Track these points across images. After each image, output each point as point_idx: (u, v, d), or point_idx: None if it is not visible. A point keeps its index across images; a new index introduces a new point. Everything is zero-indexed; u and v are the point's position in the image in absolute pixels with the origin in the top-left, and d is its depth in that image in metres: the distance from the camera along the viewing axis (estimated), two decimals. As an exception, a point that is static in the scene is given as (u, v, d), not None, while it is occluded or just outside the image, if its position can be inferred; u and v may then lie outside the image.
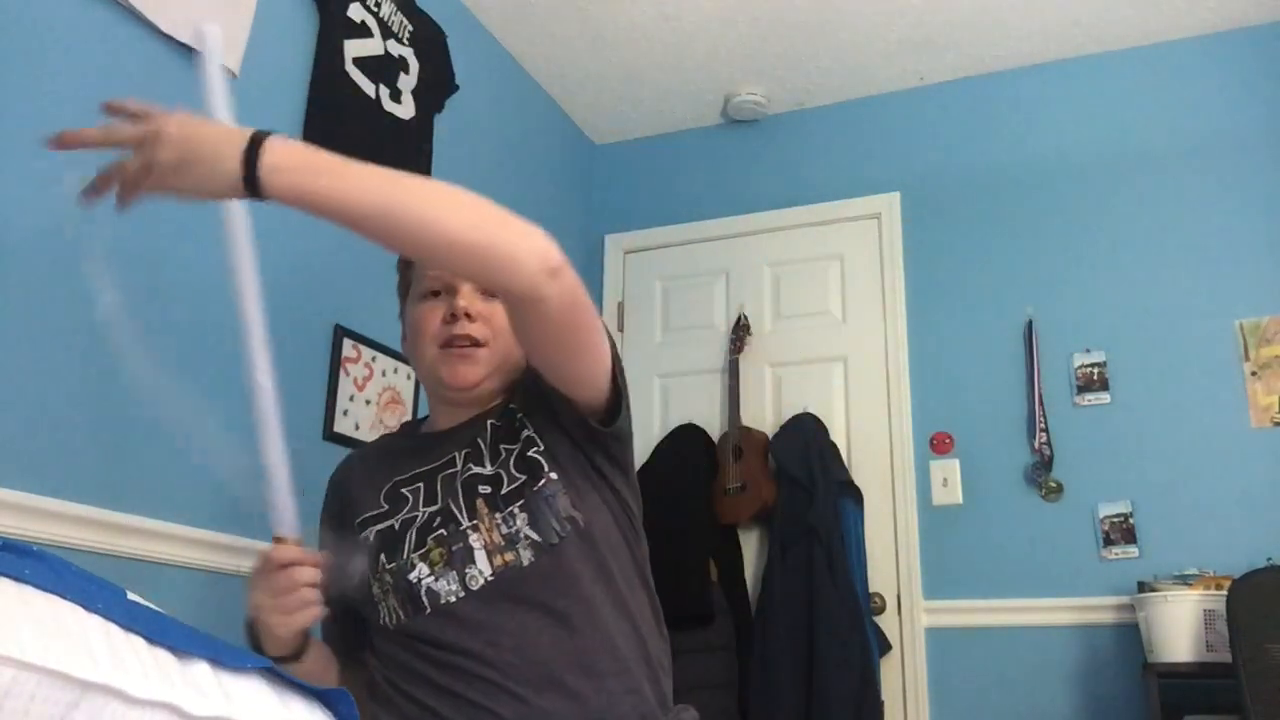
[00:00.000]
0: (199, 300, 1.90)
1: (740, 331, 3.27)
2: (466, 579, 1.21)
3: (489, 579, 1.20)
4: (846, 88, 3.38)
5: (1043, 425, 2.87)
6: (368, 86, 2.43)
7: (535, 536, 1.21)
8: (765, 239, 3.40)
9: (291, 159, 1.01)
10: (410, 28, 2.61)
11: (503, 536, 1.22)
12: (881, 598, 2.93)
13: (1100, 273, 2.96)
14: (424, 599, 1.22)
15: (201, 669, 0.75)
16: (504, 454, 1.27)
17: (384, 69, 2.49)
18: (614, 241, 3.60)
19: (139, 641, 0.73)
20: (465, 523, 1.24)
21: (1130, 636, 2.62)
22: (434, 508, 1.27)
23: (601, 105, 3.51)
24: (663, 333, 3.46)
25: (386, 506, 1.31)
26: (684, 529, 2.92)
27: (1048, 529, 2.83)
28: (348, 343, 2.29)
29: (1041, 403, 2.90)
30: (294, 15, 2.24)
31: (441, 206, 1.06)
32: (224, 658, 0.78)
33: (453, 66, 2.78)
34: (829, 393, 3.17)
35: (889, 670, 2.84)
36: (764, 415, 3.20)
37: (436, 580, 1.22)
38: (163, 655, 0.74)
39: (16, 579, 0.70)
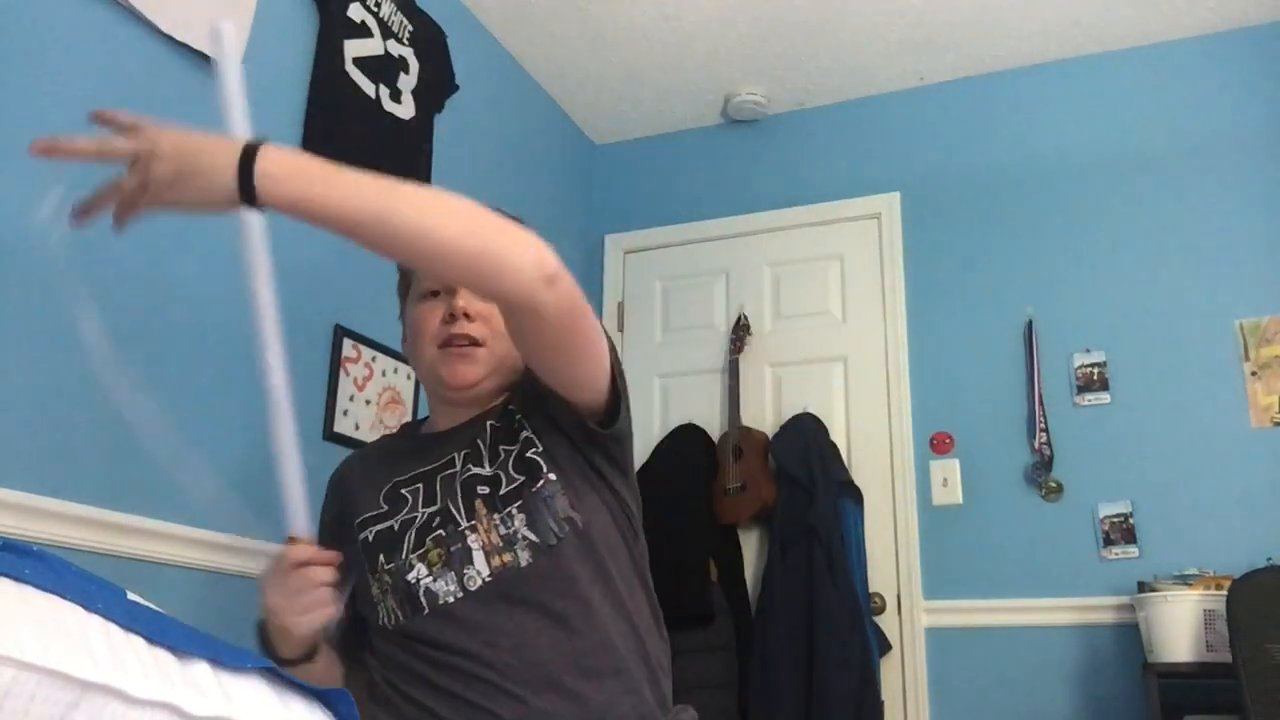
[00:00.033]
0: (201, 302, 1.90)
1: (740, 331, 3.27)
2: (464, 579, 1.21)
3: (487, 579, 1.20)
4: (846, 88, 3.38)
5: (1043, 425, 2.87)
6: (368, 86, 2.43)
7: (533, 537, 1.21)
8: (765, 239, 3.40)
9: (286, 167, 1.01)
10: (410, 28, 2.61)
11: (501, 537, 1.22)
12: (881, 598, 2.93)
13: (1100, 273, 2.96)
14: (422, 599, 1.22)
15: (201, 669, 0.75)
16: (503, 455, 1.27)
17: (384, 69, 2.49)
18: (614, 241, 3.60)
19: (139, 641, 0.73)
20: (464, 523, 1.24)
21: (1130, 636, 2.62)
22: (433, 508, 1.27)
23: (601, 105, 3.51)
24: (663, 333, 3.46)
25: (386, 507, 1.32)
26: (684, 529, 2.92)
27: (1048, 529, 2.83)
28: (348, 343, 2.29)
29: (1041, 403, 2.90)
30: (294, 15, 2.24)
31: (437, 214, 1.06)
32: (224, 658, 0.78)
33: (453, 66, 2.78)
34: (829, 393, 3.17)
35: (889, 670, 2.84)
36: (764, 415, 3.20)
37: (435, 581, 1.22)
38: (163, 655, 0.74)
39: (16, 579, 0.70)
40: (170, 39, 1.87)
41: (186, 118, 1.89)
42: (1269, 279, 2.79)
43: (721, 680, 2.83)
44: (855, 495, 2.95)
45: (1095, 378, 2.89)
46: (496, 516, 1.23)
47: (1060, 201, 3.07)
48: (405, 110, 2.56)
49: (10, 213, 1.56)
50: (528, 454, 1.26)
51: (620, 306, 3.52)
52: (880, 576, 2.94)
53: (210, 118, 1.92)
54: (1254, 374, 2.74)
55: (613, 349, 1.24)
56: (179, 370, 1.85)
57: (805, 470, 2.93)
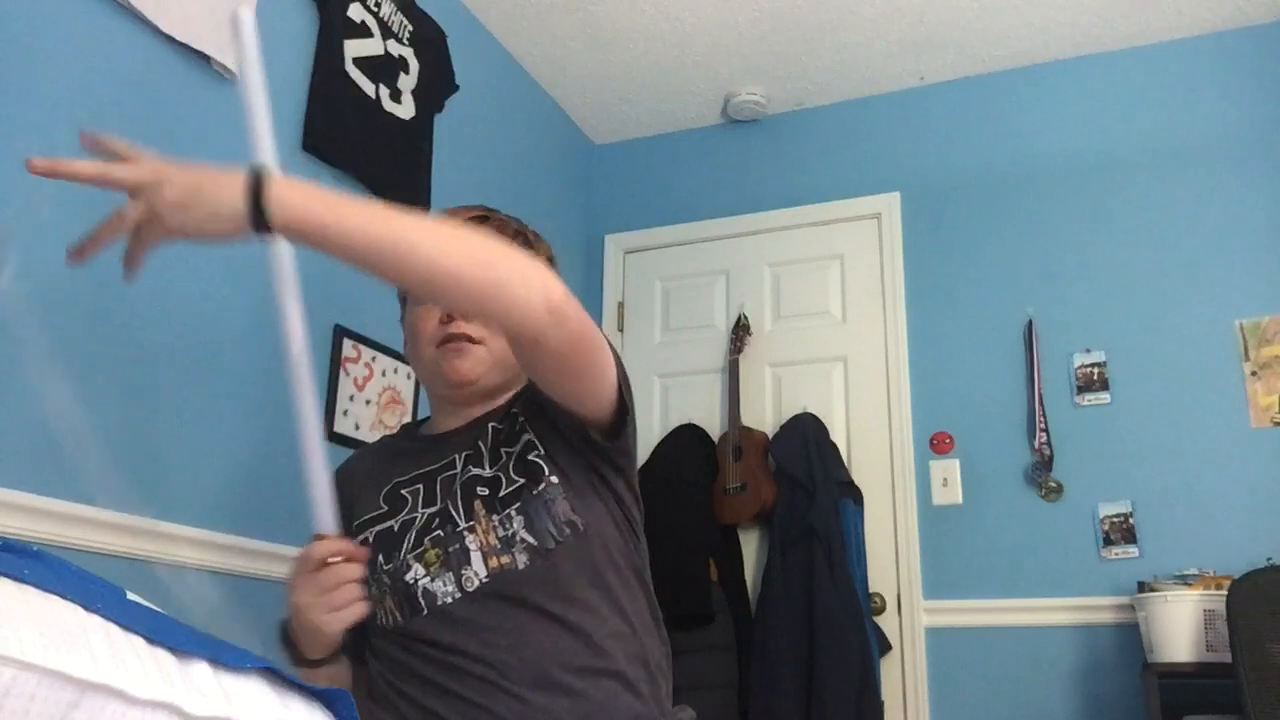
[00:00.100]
0: (204, 304, 1.90)
1: (740, 331, 3.27)
2: (462, 580, 1.21)
3: (484, 580, 1.20)
4: (846, 88, 3.38)
5: (1043, 425, 2.87)
6: (368, 86, 2.43)
7: (531, 540, 1.21)
8: (765, 239, 3.40)
9: (297, 192, 1.01)
10: (410, 28, 2.61)
11: (499, 539, 1.22)
12: (881, 598, 2.93)
13: (1100, 273, 2.97)
14: (421, 600, 1.22)
15: (201, 669, 0.75)
16: (504, 457, 1.27)
17: (384, 69, 2.49)
18: (614, 241, 3.60)
19: (139, 641, 0.73)
20: (462, 524, 1.24)
21: (1130, 636, 2.62)
22: (433, 509, 1.27)
23: (601, 105, 3.51)
24: (663, 333, 3.46)
25: (386, 507, 1.32)
26: (684, 529, 2.93)
27: (1048, 529, 2.83)
28: (348, 343, 2.29)
29: (1041, 403, 2.90)
30: (294, 15, 2.24)
31: (446, 245, 1.06)
32: (224, 658, 0.78)
33: (453, 66, 2.78)
34: (829, 393, 3.17)
35: (889, 670, 2.85)
36: (764, 415, 3.20)
37: (433, 581, 1.22)
38: (163, 655, 0.74)
39: (16, 579, 0.70)
40: (170, 39, 1.87)
41: (186, 118, 1.90)
42: (1269, 279, 2.79)
43: (721, 680, 2.83)
44: (855, 495, 2.95)
45: (1095, 378, 2.89)
46: (495, 518, 1.23)
47: (1060, 201, 3.07)
48: (405, 110, 2.56)
49: (11, 212, 1.56)
50: (529, 456, 1.26)
51: (620, 306, 3.52)
52: (880, 576, 2.94)
53: (211, 118, 1.93)
54: (1254, 374, 2.74)
55: (619, 365, 1.24)
56: (180, 371, 1.85)
57: (805, 470, 2.93)
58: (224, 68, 1.97)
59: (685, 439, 3.20)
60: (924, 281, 3.17)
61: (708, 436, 3.19)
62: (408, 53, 2.59)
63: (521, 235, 1.40)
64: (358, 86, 2.39)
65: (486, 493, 1.25)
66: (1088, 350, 2.91)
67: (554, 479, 1.24)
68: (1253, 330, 2.77)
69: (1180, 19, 2.99)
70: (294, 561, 1.19)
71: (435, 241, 1.06)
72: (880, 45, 3.15)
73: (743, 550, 3.06)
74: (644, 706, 1.21)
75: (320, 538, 1.15)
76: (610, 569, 1.25)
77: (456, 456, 1.30)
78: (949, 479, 2.96)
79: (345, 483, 1.42)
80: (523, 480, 1.24)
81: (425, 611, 1.21)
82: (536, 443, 1.27)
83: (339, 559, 1.15)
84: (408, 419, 2.43)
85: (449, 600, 1.21)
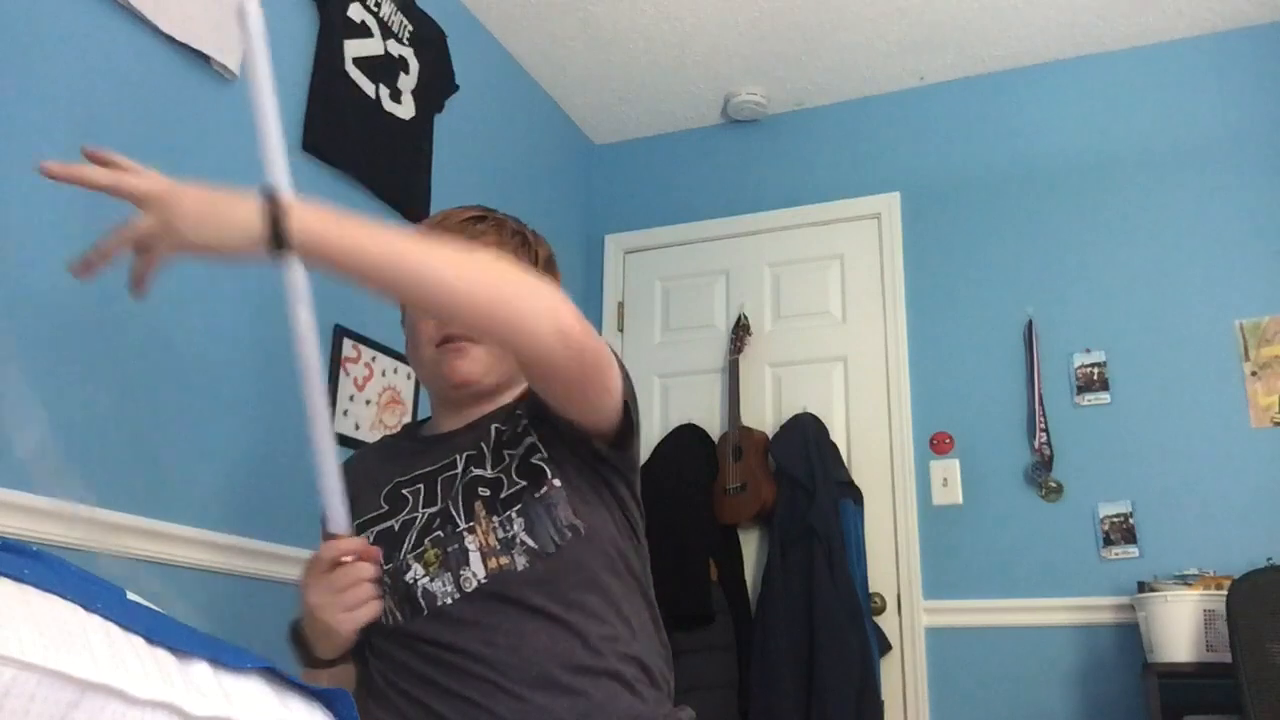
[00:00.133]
0: (203, 304, 1.90)
1: (740, 331, 3.27)
2: (461, 581, 1.21)
3: (482, 581, 1.20)
4: (846, 88, 3.38)
5: (1043, 425, 2.87)
6: (368, 86, 2.43)
7: (531, 543, 1.21)
8: (765, 239, 3.40)
9: (310, 210, 1.01)
10: (410, 28, 2.61)
11: (499, 540, 1.22)
12: (881, 598, 2.93)
13: (1100, 273, 2.97)
14: (420, 600, 1.22)
15: (201, 669, 0.75)
16: (507, 459, 1.27)
17: (384, 69, 2.49)
18: (614, 241, 3.60)
19: (139, 641, 0.73)
20: (462, 524, 1.24)
21: (1130, 636, 2.62)
22: (434, 509, 1.27)
23: (601, 105, 3.51)
24: (663, 333, 3.46)
25: (386, 507, 1.32)
26: (684, 529, 2.93)
27: (1048, 529, 2.83)
28: (348, 343, 2.29)
29: (1041, 403, 2.90)
30: (294, 15, 2.24)
31: (456, 268, 1.06)
32: (224, 658, 0.78)
33: (453, 66, 2.78)
34: (829, 393, 3.17)
35: (889, 670, 2.85)
36: (764, 415, 3.20)
37: (432, 581, 1.22)
38: (163, 655, 0.73)
39: (16, 579, 0.70)
40: (170, 39, 1.87)
41: (186, 118, 1.90)
42: (1269, 279, 2.79)
43: (721, 680, 2.83)
44: (855, 495, 2.95)
45: (1095, 378, 2.89)
46: (496, 519, 1.23)
47: (1060, 201, 3.07)
48: (405, 110, 2.56)
49: (11, 212, 1.56)
50: (533, 459, 1.26)
51: (620, 306, 3.52)
52: (880, 576, 2.94)
53: (211, 118, 1.93)
54: (1254, 374, 2.74)
55: (627, 380, 1.24)
56: (180, 371, 1.85)
57: (805, 470, 2.93)
58: (224, 68, 1.97)
59: (685, 439, 3.20)
60: (924, 281, 3.17)
61: (708, 436, 3.19)
62: (408, 53, 2.59)
63: (520, 235, 1.40)
64: (358, 86, 2.40)
65: (488, 494, 1.25)
66: (1088, 350, 2.91)
67: (557, 482, 1.24)
68: (1253, 330, 2.77)
69: (1180, 19, 2.99)
70: (306, 562, 1.19)
71: (446, 265, 1.06)
72: (880, 45, 3.15)
73: (743, 550, 3.06)
74: (644, 706, 1.21)
75: (333, 537, 1.16)
76: (610, 572, 1.25)
77: (458, 457, 1.30)
78: (949, 479, 2.96)
79: (346, 482, 1.42)
80: (525, 482, 1.24)
81: (425, 612, 1.21)
82: (540, 446, 1.27)
83: (352, 558, 1.15)
84: (408, 419, 2.43)
85: (448, 601, 1.21)
